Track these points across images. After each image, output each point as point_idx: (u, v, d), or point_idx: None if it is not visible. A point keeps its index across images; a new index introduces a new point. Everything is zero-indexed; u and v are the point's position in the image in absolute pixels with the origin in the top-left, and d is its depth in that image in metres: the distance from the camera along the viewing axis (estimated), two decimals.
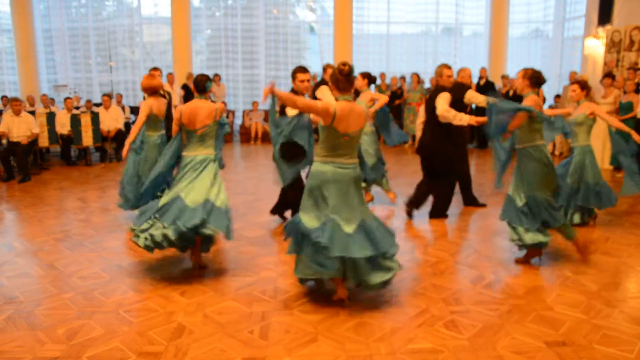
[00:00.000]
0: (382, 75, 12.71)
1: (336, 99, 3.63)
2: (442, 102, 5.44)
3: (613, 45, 10.32)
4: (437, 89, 5.66)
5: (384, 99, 6.11)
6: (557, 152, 10.81)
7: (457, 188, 6.28)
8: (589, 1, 11.46)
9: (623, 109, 8.41)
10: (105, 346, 3.20)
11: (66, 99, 10.46)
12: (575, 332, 3.34)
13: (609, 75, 9.11)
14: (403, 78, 12.67)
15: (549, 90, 12.32)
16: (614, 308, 3.69)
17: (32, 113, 9.49)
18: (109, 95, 10.87)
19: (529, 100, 4.35)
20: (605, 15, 10.68)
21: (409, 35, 14.56)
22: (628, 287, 4.17)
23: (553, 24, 13.52)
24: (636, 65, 9.41)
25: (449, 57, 14.18)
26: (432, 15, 14.13)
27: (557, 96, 11.20)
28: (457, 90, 5.64)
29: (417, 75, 12.20)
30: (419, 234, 5.53)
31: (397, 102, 12.25)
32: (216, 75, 13.04)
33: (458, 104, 5.55)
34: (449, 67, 5.66)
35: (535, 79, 4.40)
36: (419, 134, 6.08)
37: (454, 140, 5.77)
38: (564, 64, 12.97)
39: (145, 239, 4.09)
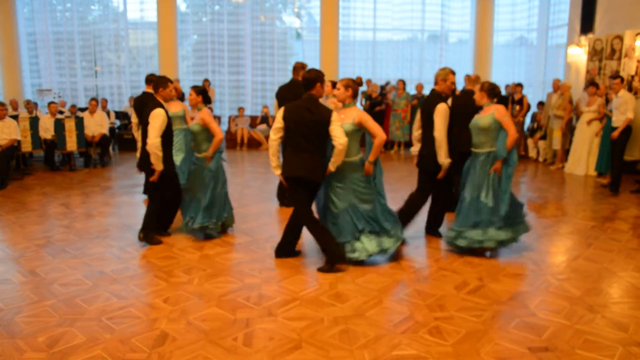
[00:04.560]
0: (369, 82, 12.74)
1: (344, 105, 4.66)
2: (440, 121, 4.95)
3: (595, 53, 10.47)
4: (433, 96, 5.13)
5: None
6: (540, 159, 10.90)
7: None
8: (571, 10, 11.64)
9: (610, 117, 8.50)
10: (86, 354, 3.16)
11: (50, 103, 10.35)
12: (558, 338, 3.37)
13: (592, 83, 9.23)
14: (384, 85, 12.62)
15: (532, 97, 12.46)
16: (596, 313, 3.73)
17: (15, 117, 9.38)
18: (95, 100, 10.77)
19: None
20: (587, 24, 10.84)
21: (395, 42, 14.67)
22: (610, 293, 4.21)
23: (537, 31, 13.71)
24: (617, 73, 9.54)
25: (434, 63, 14.33)
26: (418, 22, 14.27)
27: (541, 103, 11.31)
28: (466, 99, 5.29)
29: (403, 82, 12.23)
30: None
31: (377, 109, 12.21)
32: (206, 80, 13.02)
33: (466, 114, 5.12)
34: (454, 73, 5.12)
35: (491, 90, 4.89)
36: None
37: (452, 151, 5.17)
38: (548, 71, 13.15)
39: None
